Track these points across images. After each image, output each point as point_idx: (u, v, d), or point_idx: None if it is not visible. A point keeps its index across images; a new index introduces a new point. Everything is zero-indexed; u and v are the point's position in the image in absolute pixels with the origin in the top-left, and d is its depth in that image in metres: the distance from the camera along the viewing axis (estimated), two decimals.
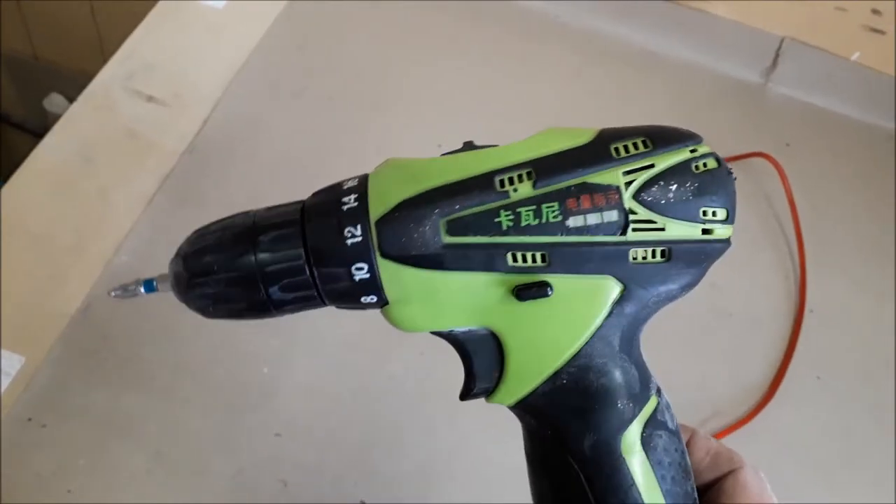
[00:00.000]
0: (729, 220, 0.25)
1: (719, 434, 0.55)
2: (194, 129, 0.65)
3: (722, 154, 0.76)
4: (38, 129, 0.99)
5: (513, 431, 0.30)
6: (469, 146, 0.27)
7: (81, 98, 0.66)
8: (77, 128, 0.64)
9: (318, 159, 0.66)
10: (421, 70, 0.74)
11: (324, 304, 0.27)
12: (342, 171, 0.64)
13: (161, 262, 0.57)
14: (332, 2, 0.77)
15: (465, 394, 0.28)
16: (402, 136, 0.69)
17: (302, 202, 0.28)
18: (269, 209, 0.28)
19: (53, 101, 1.10)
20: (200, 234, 0.29)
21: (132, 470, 0.49)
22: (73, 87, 0.74)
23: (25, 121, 1.13)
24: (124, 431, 0.50)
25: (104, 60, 0.68)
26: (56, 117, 0.66)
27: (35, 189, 0.60)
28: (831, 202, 0.72)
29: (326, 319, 0.56)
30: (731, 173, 0.26)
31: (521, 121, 0.72)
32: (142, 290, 0.30)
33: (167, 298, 0.52)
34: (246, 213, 0.28)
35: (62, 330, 0.53)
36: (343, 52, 0.74)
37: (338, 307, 0.27)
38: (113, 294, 0.30)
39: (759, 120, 0.78)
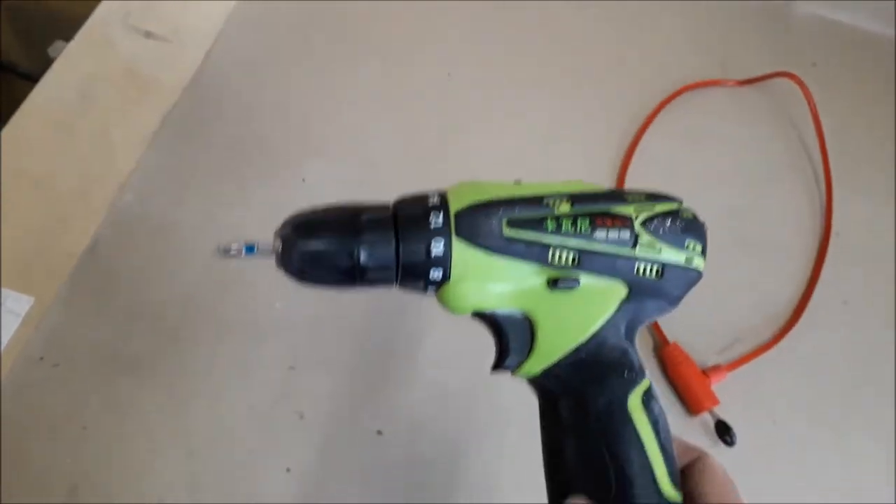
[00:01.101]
0: (703, 253, 0.33)
1: (743, 359, 0.54)
2: (195, 63, 0.63)
3: (745, 75, 0.75)
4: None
5: None
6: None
7: (78, 36, 0.64)
8: (75, 67, 0.62)
9: (318, 98, 0.64)
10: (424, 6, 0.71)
11: (395, 282, 0.33)
12: (347, 104, 0.63)
13: (166, 201, 0.56)
14: None
15: (497, 366, 0.34)
16: (410, 71, 0.67)
17: (389, 203, 0.34)
18: (367, 205, 0.33)
19: (58, 48, 1.07)
20: (307, 212, 0.33)
21: (145, 406, 0.49)
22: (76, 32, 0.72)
23: (31, 71, 1.11)
24: (135, 369, 0.50)
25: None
26: None
27: (35, 131, 0.59)
28: (858, 122, 0.69)
29: None
30: (704, 223, 0.34)
31: (537, 51, 0.70)
32: (243, 251, 0.33)
33: (171, 237, 0.51)
34: (344, 204, 0.33)
35: (70, 270, 0.53)
36: None
37: (402, 287, 0.33)
38: (218, 253, 0.34)
39: (784, 40, 0.75)
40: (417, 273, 0.32)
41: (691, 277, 0.34)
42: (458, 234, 0.32)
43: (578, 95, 0.67)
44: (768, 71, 0.69)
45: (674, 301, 0.34)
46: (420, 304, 0.54)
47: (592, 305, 0.33)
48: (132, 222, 0.56)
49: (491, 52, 0.69)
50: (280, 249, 0.33)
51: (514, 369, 0.34)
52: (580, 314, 0.33)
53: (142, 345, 0.51)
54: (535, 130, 0.64)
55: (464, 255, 0.32)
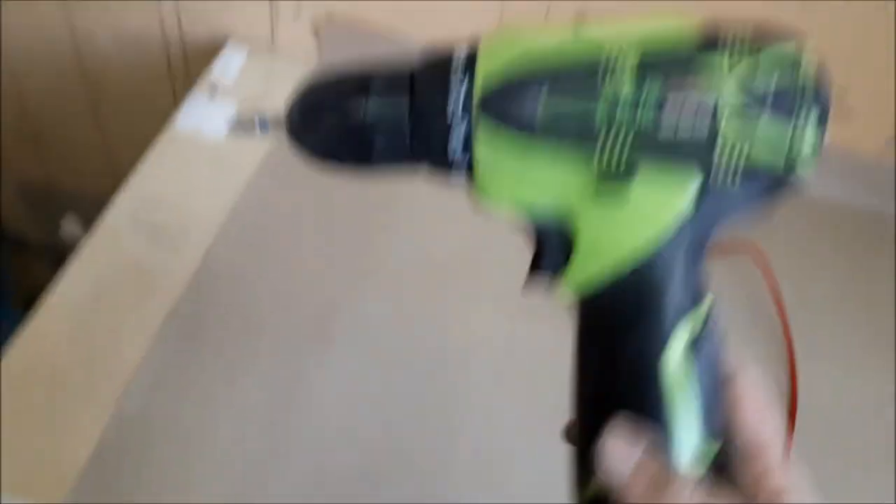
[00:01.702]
0: (821, 138, 0.25)
1: None
2: (198, 260, 0.69)
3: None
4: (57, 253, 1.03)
5: None
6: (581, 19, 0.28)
7: (92, 235, 0.70)
8: (88, 265, 0.67)
9: (321, 287, 0.68)
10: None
11: (415, 160, 0.29)
12: (347, 303, 0.67)
13: (170, 403, 0.59)
14: None
15: (533, 270, 0.29)
16: (397, 243, 0.72)
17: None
18: (382, 63, 0.29)
19: (70, 221, 1.15)
20: (316, 78, 0.30)
21: None
22: (87, 208, 0.77)
23: (45, 245, 1.18)
24: None
25: (115, 184, 0.72)
26: (71, 238, 0.69)
27: (51, 330, 0.63)
28: (812, 285, 0.74)
29: (327, 454, 0.57)
30: (829, 84, 0.25)
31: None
32: (257, 126, 0.31)
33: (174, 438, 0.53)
34: (357, 67, 0.30)
35: (76, 474, 0.55)
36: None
37: (427, 167, 0.29)
38: (229, 130, 0.32)
39: None
40: (436, 148, 0.28)
41: (788, 181, 0.26)
42: (483, 112, 0.26)
43: None
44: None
45: (754, 211, 0.26)
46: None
47: (647, 214, 0.26)
48: (136, 423, 0.58)
49: None
50: (288, 122, 0.30)
51: (554, 275, 0.28)
52: (629, 225, 0.26)
53: None
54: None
55: (491, 138, 0.27)
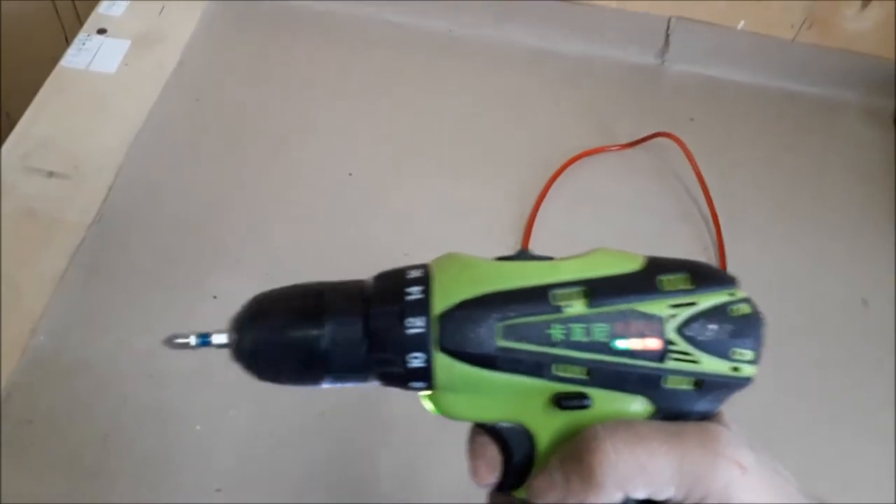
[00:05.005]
0: (755, 361, 0.27)
1: None
2: (99, 199, 0.65)
3: (625, 139, 0.77)
4: None
5: None
6: (523, 255, 0.29)
7: None
8: None
9: (224, 212, 0.65)
10: (319, 106, 0.75)
11: (371, 382, 0.29)
12: (253, 223, 0.64)
13: (80, 340, 0.57)
14: (222, 56, 0.77)
15: (502, 487, 0.29)
16: (310, 173, 0.69)
17: (361, 284, 0.29)
18: (333, 287, 0.29)
19: None
20: (262, 303, 0.29)
21: None
22: None
23: None
24: None
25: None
26: None
27: None
28: (737, 167, 0.74)
29: None
30: (762, 319, 0.27)
31: (431, 139, 0.73)
32: (194, 342, 0.30)
33: (84, 376, 0.51)
34: (305, 288, 0.29)
35: None
36: (236, 103, 0.74)
37: (382, 385, 0.29)
38: (166, 343, 0.30)
39: (660, 100, 0.80)
40: (394, 381, 0.28)
41: (737, 385, 0.27)
42: (441, 346, 0.26)
43: (475, 178, 0.70)
44: (649, 131, 0.73)
45: (708, 412, 0.28)
46: (343, 409, 0.55)
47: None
48: (45, 366, 0.55)
49: (387, 149, 0.72)
50: (233, 347, 0.29)
51: (515, 489, 0.29)
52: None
53: (60, 491, 0.50)
54: (439, 216, 0.67)
55: (449, 368, 0.27)
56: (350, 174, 0.70)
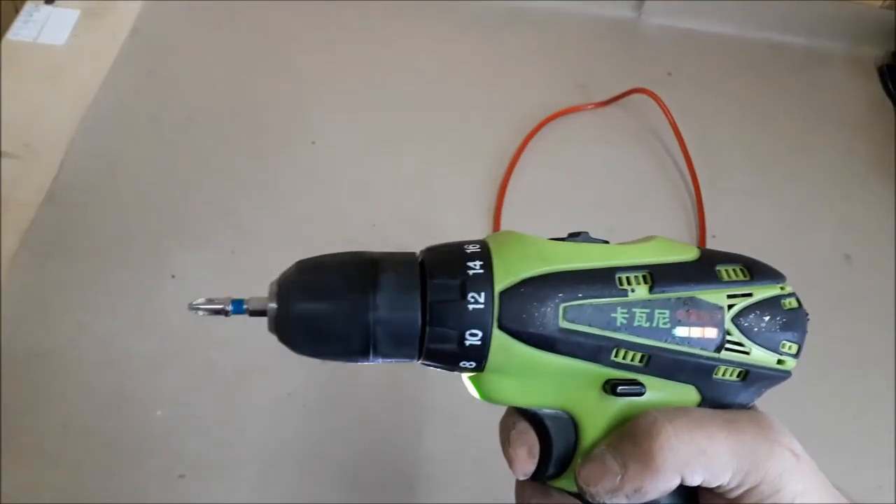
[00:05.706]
0: (797, 355, 0.27)
1: None
2: (50, 176, 0.62)
3: (602, 97, 0.73)
4: None
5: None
6: (581, 236, 0.28)
7: None
8: None
9: (183, 187, 0.63)
10: (279, 73, 0.72)
11: (416, 359, 0.27)
12: (213, 198, 0.62)
13: (35, 324, 0.54)
14: (176, 24, 0.74)
15: (538, 475, 0.28)
16: (272, 143, 0.66)
17: (416, 255, 0.27)
18: (385, 256, 0.27)
19: None
20: (311, 269, 0.27)
21: None
22: None
23: None
24: None
25: None
26: None
27: None
28: (717, 123, 0.71)
29: (216, 351, 0.53)
30: (807, 314, 0.28)
31: (398, 103, 0.70)
32: (230, 309, 0.27)
33: (43, 364, 0.49)
34: (355, 255, 0.27)
35: None
36: (193, 73, 0.71)
37: (424, 364, 0.27)
38: (196, 307, 0.27)
39: (638, 54, 0.77)
40: (444, 360, 0.26)
41: (777, 378, 0.28)
42: (501, 323, 0.25)
43: (445, 143, 0.68)
44: (626, 88, 0.71)
45: (745, 403, 0.28)
46: (309, 388, 0.53)
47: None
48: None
49: (352, 114, 0.69)
50: (273, 317, 0.26)
51: (553, 479, 0.28)
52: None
53: (20, 481, 0.48)
54: (407, 184, 0.65)
55: (506, 348, 0.26)
56: (313, 142, 0.67)
